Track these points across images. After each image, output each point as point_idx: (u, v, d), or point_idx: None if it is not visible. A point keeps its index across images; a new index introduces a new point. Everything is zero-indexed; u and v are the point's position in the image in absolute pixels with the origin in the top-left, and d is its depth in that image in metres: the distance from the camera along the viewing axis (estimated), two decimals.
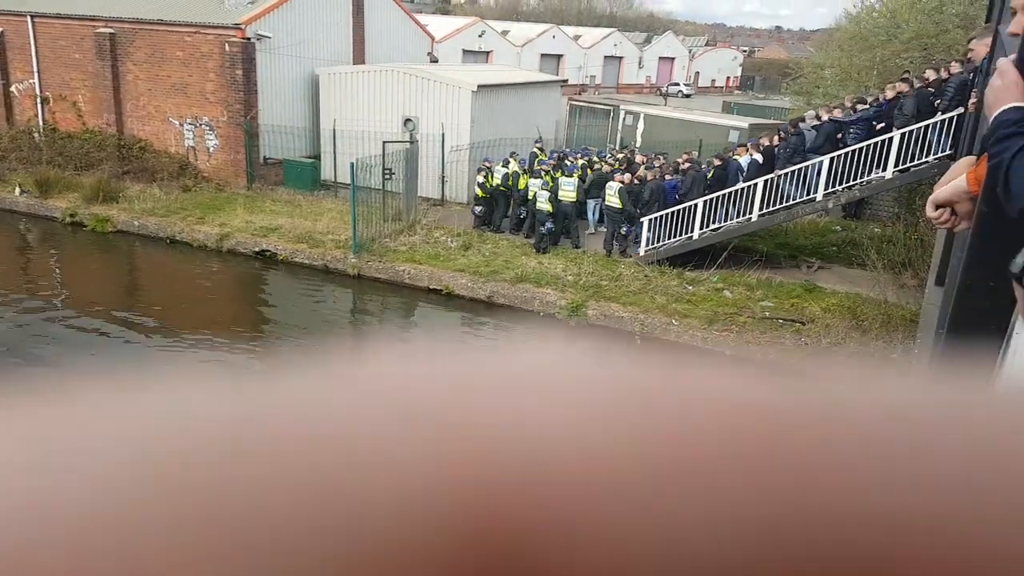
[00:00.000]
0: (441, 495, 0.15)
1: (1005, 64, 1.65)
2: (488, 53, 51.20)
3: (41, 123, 23.69)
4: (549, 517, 0.15)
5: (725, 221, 14.97)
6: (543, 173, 16.78)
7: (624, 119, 28.15)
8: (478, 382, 0.18)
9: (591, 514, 0.15)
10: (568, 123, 29.62)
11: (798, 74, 25.54)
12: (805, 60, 28.80)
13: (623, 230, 15.91)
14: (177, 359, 12.15)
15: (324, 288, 16.14)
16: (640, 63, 69.96)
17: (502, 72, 27.12)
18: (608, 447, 0.16)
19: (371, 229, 16.81)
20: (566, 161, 17.87)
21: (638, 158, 18.53)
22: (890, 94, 14.23)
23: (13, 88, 24.18)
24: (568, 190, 16.17)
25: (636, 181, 15.99)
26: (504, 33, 56.34)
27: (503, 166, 17.57)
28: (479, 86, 20.50)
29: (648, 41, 74.01)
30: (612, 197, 15.80)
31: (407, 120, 20.90)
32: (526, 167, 18.10)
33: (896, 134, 13.29)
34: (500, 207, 17.67)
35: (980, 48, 3.78)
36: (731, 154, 15.99)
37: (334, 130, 21.43)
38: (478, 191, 17.71)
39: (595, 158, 19.12)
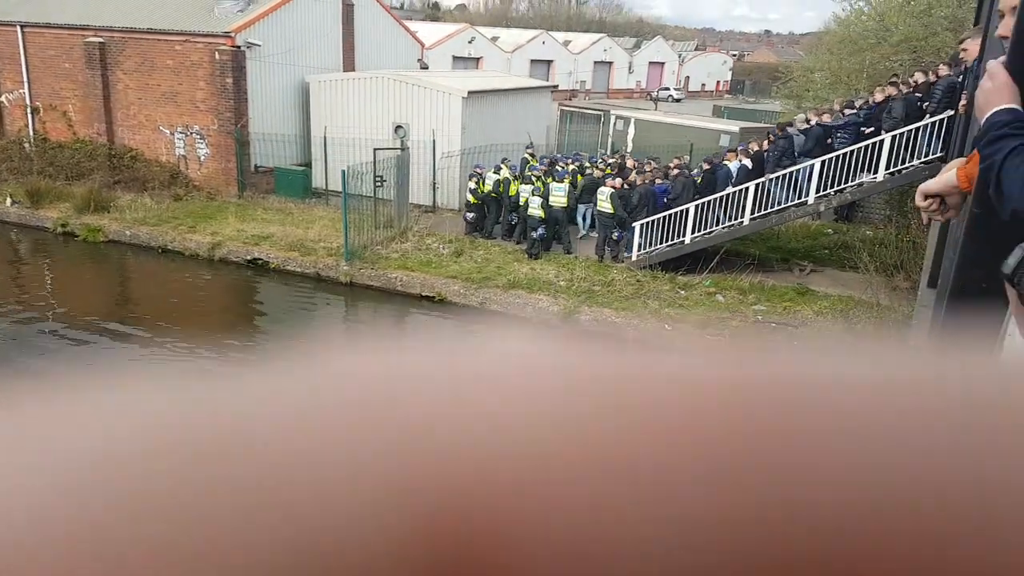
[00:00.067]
0: (392, 494, 0.15)
1: (995, 66, 1.66)
2: (478, 59, 51.28)
3: (31, 133, 23.58)
4: (502, 517, 0.14)
5: (716, 225, 15.00)
6: (534, 179, 16.78)
7: (615, 124, 28.25)
8: (431, 375, 0.18)
9: (546, 511, 0.14)
10: (559, 128, 29.66)
11: (788, 78, 25.49)
12: (795, 64, 28.82)
13: (615, 235, 15.93)
14: (166, 367, 12.04)
15: (316, 296, 16.10)
16: (630, 68, 70.22)
17: (492, 78, 27.12)
18: (562, 439, 0.16)
19: (363, 236, 16.78)
20: (557, 166, 17.88)
21: (629, 163, 18.56)
22: (879, 97, 14.29)
23: (3, 98, 24.07)
24: (559, 195, 16.17)
25: (627, 186, 16.01)
26: (494, 39, 56.50)
27: (495, 172, 17.54)
28: (469, 92, 20.49)
29: (638, 46, 74.27)
30: (604, 202, 15.80)
31: (398, 127, 20.88)
32: (517, 173, 18.12)
33: (886, 137, 13.36)
34: (492, 213, 17.66)
35: (973, 47, 3.79)
36: (720, 160, 16.03)
37: (325, 138, 21.38)
38: (470, 197, 17.66)
39: (587, 163, 19.12)
